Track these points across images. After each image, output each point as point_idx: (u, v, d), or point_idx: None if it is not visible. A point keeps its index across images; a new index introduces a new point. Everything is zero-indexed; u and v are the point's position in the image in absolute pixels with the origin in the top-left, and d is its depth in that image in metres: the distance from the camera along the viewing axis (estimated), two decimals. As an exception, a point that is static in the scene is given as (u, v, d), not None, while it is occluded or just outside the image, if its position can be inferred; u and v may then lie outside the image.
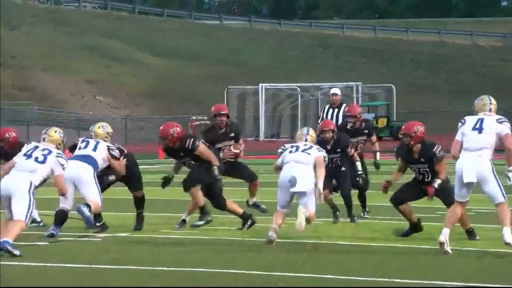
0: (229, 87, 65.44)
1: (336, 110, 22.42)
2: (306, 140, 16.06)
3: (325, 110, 22.78)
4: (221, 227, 17.49)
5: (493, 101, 14.30)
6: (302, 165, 15.50)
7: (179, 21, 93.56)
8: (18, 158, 14.88)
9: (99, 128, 17.46)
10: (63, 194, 15.37)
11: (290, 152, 15.78)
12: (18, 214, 14.25)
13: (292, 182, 15.30)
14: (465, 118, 14.24)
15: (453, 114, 75.38)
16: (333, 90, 23.41)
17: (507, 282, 11.65)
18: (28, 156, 14.87)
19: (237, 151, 18.31)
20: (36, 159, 14.78)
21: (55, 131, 15.53)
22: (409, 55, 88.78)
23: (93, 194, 16.39)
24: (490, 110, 14.23)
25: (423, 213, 17.05)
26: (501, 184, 13.86)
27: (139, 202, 17.59)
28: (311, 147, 15.86)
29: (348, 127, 19.99)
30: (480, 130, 13.99)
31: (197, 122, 63.36)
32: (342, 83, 60.46)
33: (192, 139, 16.82)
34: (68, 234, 16.49)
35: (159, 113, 65.59)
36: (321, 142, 17.67)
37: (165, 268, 12.85)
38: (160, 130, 16.61)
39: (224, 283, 11.80)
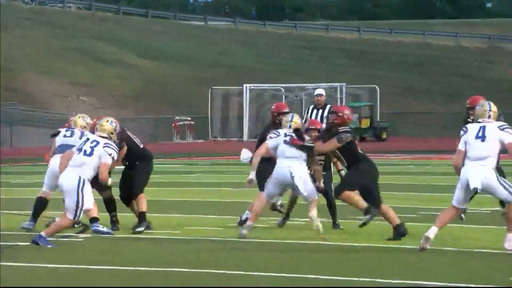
0: (213, 87, 65.09)
1: (320, 110, 21.76)
2: (290, 127, 16.03)
3: (309, 111, 22.18)
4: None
5: (493, 107, 14.37)
6: (297, 162, 15.76)
7: (164, 22, 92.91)
8: (74, 152, 15.16)
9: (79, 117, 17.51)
10: (105, 183, 15.34)
11: (285, 142, 15.85)
12: (66, 211, 14.70)
13: (292, 185, 15.71)
14: (466, 126, 14.34)
15: (437, 115, 75.78)
16: (317, 91, 22.63)
17: (492, 283, 11.60)
18: (79, 150, 15.03)
19: None
20: (84, 152, 14.91)
21: (107, 121, 15.54)
22: (394, 57, 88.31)
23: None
24: (489, 116, 14.30)
25: (405, 213, 16.96)
26: (508, 186, 14.03)
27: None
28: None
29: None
30: (483, 138, 14.10)
31: (181, 123, 63.06)
32: (326, 84, 60.06)
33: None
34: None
35: (143, 115, 65.31)
36: None
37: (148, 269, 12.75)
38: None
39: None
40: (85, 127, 17.22)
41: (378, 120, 64.82)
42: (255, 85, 64.48)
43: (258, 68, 79.31)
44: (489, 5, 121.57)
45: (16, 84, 69.03)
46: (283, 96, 63.53)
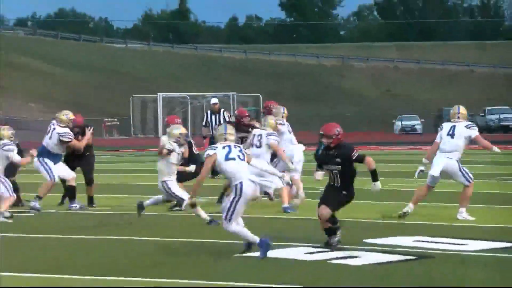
0: (133, 95, 62.81)
1: (217, 115, 22.12)
2: (225, 140, 11.16)
3: (208, 116, 22.35)
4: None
5: (462, 110, 14.15)
6: (247, 169, 11.55)
7: (93, 45, 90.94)
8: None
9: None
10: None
11: (233, 159, 10.91)
12: None
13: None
14: (442, 124, 14.27)
15: (304, 115, 75.53)
16: (213, 100, 22.94)
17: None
18: None
19: None
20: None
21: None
22: (272, 72, 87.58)
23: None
24: (458, 117, 14.14)
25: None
26: (466, 173, 13.88)
27: None
28: (237, 146, 11.22)
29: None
30: (452, 135, 13.93)
31: (109, 123, 61.30)
32: (221, 93, 58.56)
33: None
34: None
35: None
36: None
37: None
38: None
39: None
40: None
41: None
42: (166, 94, 62.79)
43: (167, 81, 77.61)
44: (342, 32, 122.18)
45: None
46: (189, 102, 62.06)
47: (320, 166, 11.40)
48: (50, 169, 15.86)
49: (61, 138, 15.99)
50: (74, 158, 16.52)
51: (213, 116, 22.11)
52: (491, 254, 10.63)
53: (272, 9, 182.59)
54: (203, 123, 22.62)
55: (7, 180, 14.88)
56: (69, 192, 16.21)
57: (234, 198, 10.73)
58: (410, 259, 10.26)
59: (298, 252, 10.76)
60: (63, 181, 16.31)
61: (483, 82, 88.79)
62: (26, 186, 17.56)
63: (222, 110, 22.54)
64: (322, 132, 11.19)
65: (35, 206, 15.63)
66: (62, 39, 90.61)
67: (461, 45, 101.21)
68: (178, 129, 14.34)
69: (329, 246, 11.12)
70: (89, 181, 16.47)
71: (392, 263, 10.02)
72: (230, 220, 10.69)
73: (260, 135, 15.63)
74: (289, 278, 9.18)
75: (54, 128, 16.19)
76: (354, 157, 11.17)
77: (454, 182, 14.39)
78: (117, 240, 12.25)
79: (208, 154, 10.97)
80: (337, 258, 10.27)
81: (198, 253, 10.90)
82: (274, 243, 10.71)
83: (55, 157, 16.10)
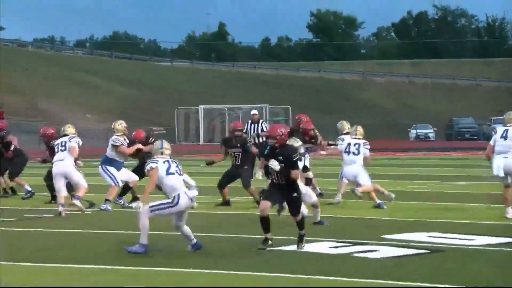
0: (178, 108, 62.72)
1: (255, 125, 21.82)
2: (162, 154, 10.75)
3: (248, 125, 21.89)
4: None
5: None
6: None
7: (142, 63, 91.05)
8: None
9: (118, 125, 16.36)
10: None
11: (173, 173, 10.55)
12: None
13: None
14: (496, 128, 13.91)
15: (326, 126, 75.41)
16: (252, 111, 22.86)
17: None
18: None
19: None
20: None
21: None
22: (300, 86, 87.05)
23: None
24: None
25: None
26: None
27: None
28: (174, 161, 10.85)
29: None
30: (505, 137, 13.60)
31: (157, 132, 61.27)
32: (255, 105, 58.42)
33: None
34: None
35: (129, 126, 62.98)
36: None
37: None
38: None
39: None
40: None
41: (292, 131, 63.24)
42: (206, 106, 62.83)
43: (207, 94, 77.56)
44: (363, 51, 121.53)
45: (41, 106, 66.65)
46: (226, 113, 62.17)
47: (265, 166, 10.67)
48: (113, 175, 15.79)
49: (112, 143, 16.02)
50: (143, 166, 16.47)
51: (253, 126, 21.87)
52: (496, 249, 10.54)
53: (300, 31, 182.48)
54: (244, 131, 21.78)
55: (79, 170, 15.32)
56: (124, 190, 16.17)
57: (169, 203, 10.51)
58: (424, 253, 10.18)
59: (323, 246, 10.71)
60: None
61: (489, 95, 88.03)
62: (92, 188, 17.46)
63: (260, 120, 22.48)
64: (267, 134, 10.69)
65: (107, 208, 15.56)
66: (116, 58, 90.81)
67: (469, 62, 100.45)
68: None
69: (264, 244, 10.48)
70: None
71: (407, 256, 9.95)
72: (151, 212, 10.42)
73: (358, 144, 15.72)
74: (314, 269, 9.14)
75: (111, 139, 16.26)
76: (294, 159, 10.53)
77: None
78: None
79: (151, 167, 10.53)
80: (358, 252, 10.20)
81: (232, 246, 10.87)
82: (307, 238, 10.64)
83: (116, 164, 15.94)
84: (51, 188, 16.43)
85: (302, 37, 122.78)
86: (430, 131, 65.83)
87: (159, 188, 10.58)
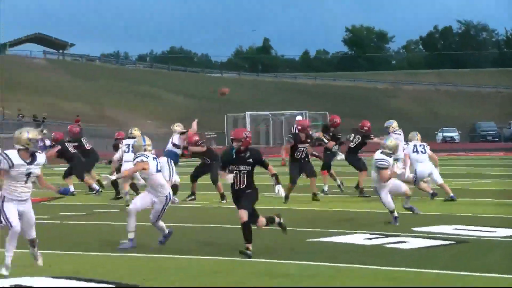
0: (227, 114, 62.69)
1: None
2: (145, 151, 10.59)
3: (294, 129, 20.92)
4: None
5: None
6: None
7: (196, 75, 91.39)
8: None
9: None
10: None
11: (160, 171, 10.47)
12: None
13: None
14: None
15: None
16: (297, 117, 22.72)
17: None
18: None
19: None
20: None
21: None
22: (336, 94, 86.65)
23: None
24: None
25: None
26: None
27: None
28: (156, 158, 10.68)
29: None
30: None
31: (209, 136, 61.59)
32: (296, 111, 58.17)
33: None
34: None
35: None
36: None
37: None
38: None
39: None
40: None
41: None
42: (252, 112, 62.62)
43: (253, 102, 77.53)
44: (393, 62, 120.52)
45: (107, 113, 67.13)
46: (270, 119, 62.09)
47: (224, 168, 9.72)
48: (173, 171, 15.89)
49: (174, 143, 16.36)
50: (203, 165, 16.63)
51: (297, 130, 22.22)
52: (516, 240, 10.37)
53: (337, 44, 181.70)
54: (289, 135, 21.73)
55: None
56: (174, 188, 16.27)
57: (165, 205, 10.35)
58: (450, 244, 10.06)
59: (359, 238, 10.64)
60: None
61: (508, 101, 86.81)
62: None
63: None
64: (232, 137, 9.70)
65: (174, 200, 15.65)
66: (173, 70, 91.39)
67: (490, 72, 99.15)
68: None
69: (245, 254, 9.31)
70: (214, 181, 16.38)
71: (434, 247, 9.84)
72: (156, 219, 10.32)
73: (423, 144, 15.85)
74: (350, 259, 9.08)
75: (171, 138, 16.60)
76: (263, 161, 9.74)
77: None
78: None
79: (142, 160, 10.30)
80: (390, 243, 10.11)
81: (275, 237, 10.83)
82: (339, 231, 10.57)
83: (176, 157, 16.21)
84: (115, 185, 16.65)
85: (338, 50, 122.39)
86: (455, 134, 65.16)
87: (135, 190, 10.50)
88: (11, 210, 8.27)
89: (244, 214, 9.44)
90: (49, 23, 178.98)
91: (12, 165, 8.31)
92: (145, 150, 10.60)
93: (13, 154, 8.38)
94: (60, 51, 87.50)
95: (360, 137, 17.34)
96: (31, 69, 74.65)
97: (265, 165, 9.72)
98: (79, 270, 8.56)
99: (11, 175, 8.32)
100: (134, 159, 10.54)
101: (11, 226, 8.28)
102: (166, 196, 10.39)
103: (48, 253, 9.29)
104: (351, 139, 17.39)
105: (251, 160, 9.63)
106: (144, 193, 10.59)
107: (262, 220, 9.81)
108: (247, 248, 9.35)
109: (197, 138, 16.71)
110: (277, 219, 10.10)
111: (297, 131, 17.09)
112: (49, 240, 10.44)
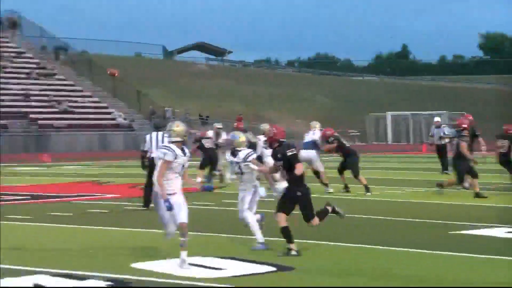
0: (369, 114, 61.82)
1: (438, 129, 22.03)
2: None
3: (432, 129, 22.42)
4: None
5: None
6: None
7: (339, 78, 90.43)
8: None
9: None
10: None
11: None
12: None
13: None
14: None
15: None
16: (435, 118, 23.20)
17: None
18: None
19: None
20: None
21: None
22: (473, 96, 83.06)
23: None
24: None
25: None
26: None
27: None
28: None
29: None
30: None
31: (352, 134, 60.60)
32: (434, 112, 55.97)
33: None
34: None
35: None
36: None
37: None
38: None
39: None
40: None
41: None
42: (393, 112, 60.99)
43: (393, 103, 75.33)
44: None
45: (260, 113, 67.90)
46: (410, 119, 60.79)
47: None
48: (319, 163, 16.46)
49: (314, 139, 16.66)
50: (345, 160, 16.71)
51: (435, 130, 22.04)
52: None
53: (471, 49, 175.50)
54: (430, 134, 23.04)
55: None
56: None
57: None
58: None
59: (500, 231, 10.28)
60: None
61: None
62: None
63: (442, 125, 22.21)
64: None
65: (327, 190, 16.05)
66: (321, 75, 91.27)
67: None
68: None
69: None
70: (355, 174, 16.33)
71: None
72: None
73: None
74: (493, 250, 8.80)
75: (314, 133, 16.87)
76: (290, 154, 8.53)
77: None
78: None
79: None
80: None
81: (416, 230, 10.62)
82: (474, 224, 10.24)
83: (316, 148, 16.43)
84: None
85: (473, 54, 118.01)
86: None
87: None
88: (179, 206, 7.58)
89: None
90: (211, 32, 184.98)
91: (175, 157, 7.66)
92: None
93: (173, 146, 7.71)
94: (220, 57, 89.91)
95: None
96: (195, 74, 77.23)
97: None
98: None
99: (172, 167, 7.62)
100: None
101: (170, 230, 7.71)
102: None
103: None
104: (499, 144, 16.33)
105: (279, 156, 8.66)
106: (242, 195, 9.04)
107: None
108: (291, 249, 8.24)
109: (329, 133, 16.74)
110: (329, 208, 8.80)
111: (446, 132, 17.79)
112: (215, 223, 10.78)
